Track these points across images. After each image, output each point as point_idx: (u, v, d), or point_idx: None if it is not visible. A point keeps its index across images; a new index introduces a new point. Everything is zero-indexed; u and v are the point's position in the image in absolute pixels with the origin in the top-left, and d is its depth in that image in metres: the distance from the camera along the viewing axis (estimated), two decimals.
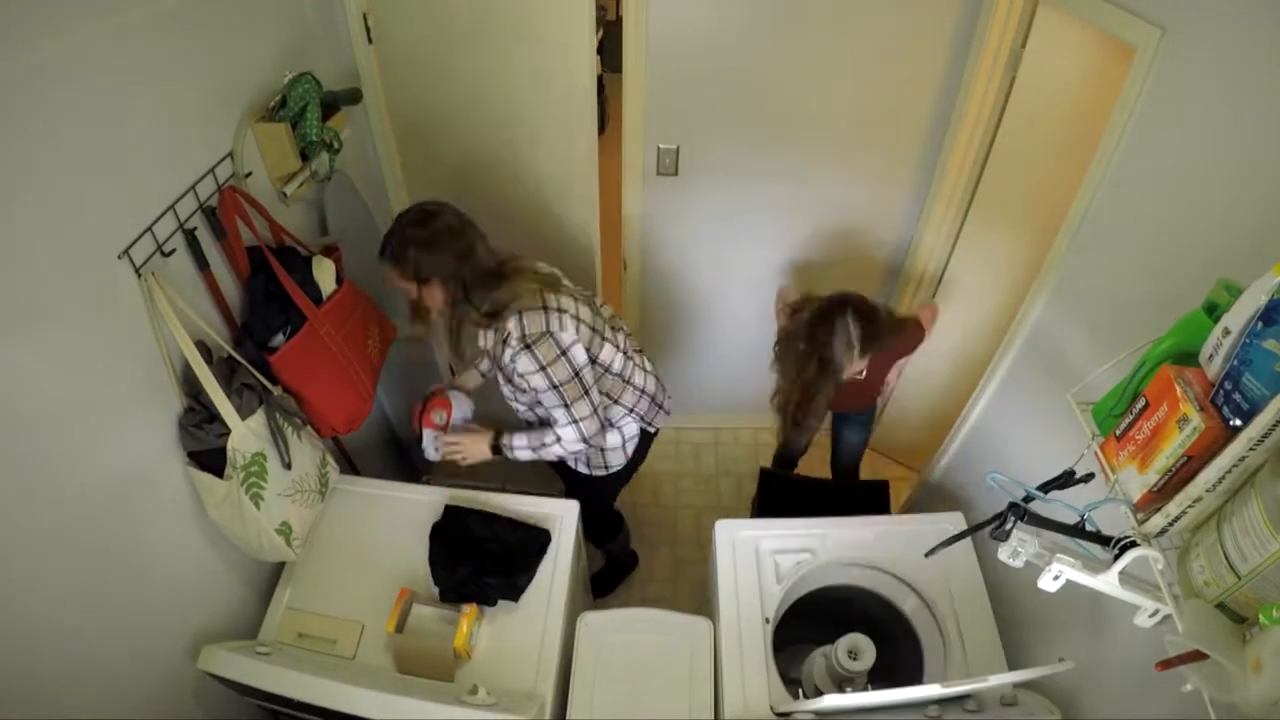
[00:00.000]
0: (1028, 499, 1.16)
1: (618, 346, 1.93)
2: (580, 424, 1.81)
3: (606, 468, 2.10)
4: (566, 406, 1.78)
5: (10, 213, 1.09)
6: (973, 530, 1.29)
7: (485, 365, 2.10)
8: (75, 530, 1.28)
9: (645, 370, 2.06)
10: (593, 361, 1.84)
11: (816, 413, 2.04)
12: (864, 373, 2.05)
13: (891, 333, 2.06)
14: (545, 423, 1.90)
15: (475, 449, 1.94)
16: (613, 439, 2.04)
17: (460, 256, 1.67)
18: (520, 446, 1.90)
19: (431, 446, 2.00)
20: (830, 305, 1.95)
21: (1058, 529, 1.11)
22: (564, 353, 1.74)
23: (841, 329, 1.90)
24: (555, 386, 1.75)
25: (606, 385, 1.93)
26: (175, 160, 1.46)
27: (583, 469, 2.11)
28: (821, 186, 2.47)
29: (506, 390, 1.93)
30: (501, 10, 2.04)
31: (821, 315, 1.94)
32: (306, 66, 1.80)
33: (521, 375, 1.77)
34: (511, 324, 1.71)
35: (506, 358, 1.76)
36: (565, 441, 1.84)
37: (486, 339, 1.81)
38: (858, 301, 1.94)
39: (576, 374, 1.77)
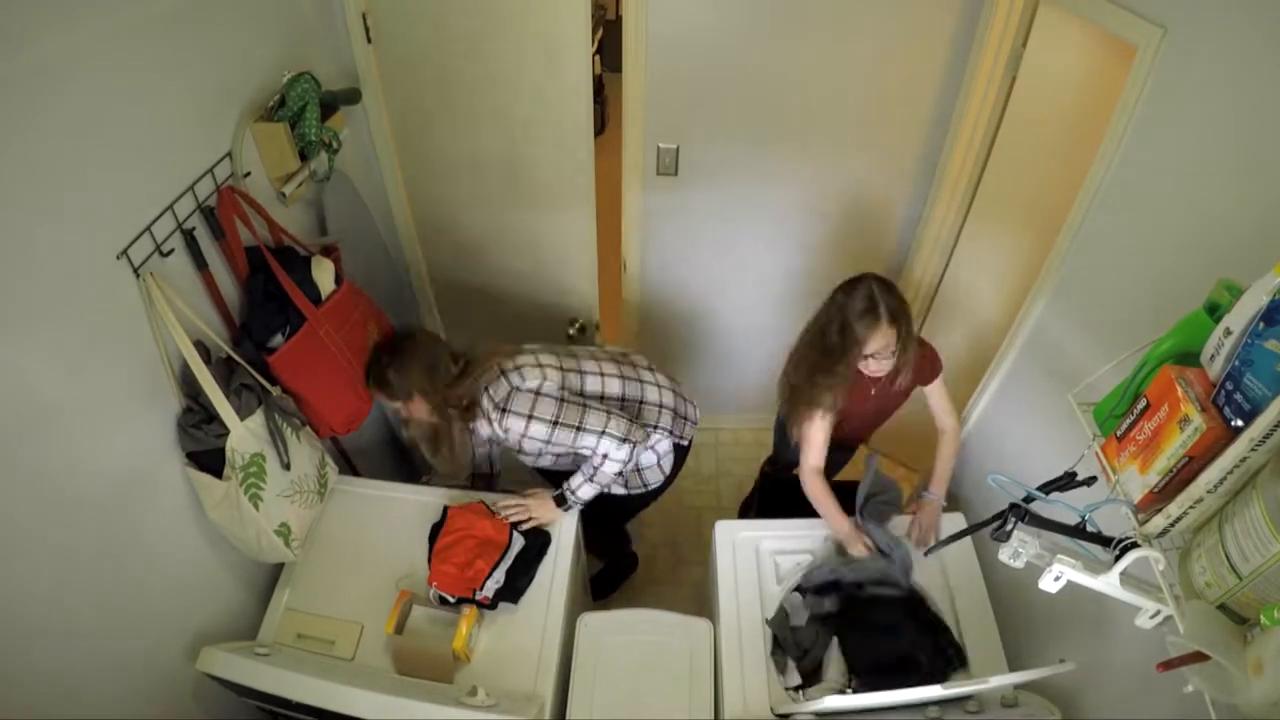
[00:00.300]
0: (1028, 499, 1.16)
1: (603, 374, 1.96)
2: (608, 432, 1.81)
3: (645, 486, 2.12)
4: (579, 429, 1.80)
5: (8, 212, 1.09)
6: (972, 530, 1.29)
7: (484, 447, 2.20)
8: (74, 531, 1.28)
9: (660, 386, 2.06)
10: (579, 394, 1.90)
11: (834, 389, 1.85)
12: (887, 370, 1.83)
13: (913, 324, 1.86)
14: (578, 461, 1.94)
15: (543, 511, 1.92)
16: (647, 458, 2.05)
17: (430, 367, 1.82)
18: (579, 485, 1.90)
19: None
20: (848, 281, 1.82)
21: (1058, 530, 1.11)
22: (537, 392, 1.83)
23: (865, 288, 1.75)
24: (555, 423, 1.80)
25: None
26: (174, 160, 1.46)
27: (620, 490, 2.11)
28: (822, 186, 2.47)
29: (543, 463, 2.00)
30: (500, 10, 2.03)
31: (848, 282, 1.81)
32: (305, 66, 1.80)
33: (523, 437, 1.83)
34: (484, 402, 1.83)
35: (500, 433, 1.85)
36: (611, 454, 1.83)
37: (481, 429, 1.89)
38: (879, 277, 1.80)
39: (562, 401, 1.82)
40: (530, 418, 1.79)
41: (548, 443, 1.83)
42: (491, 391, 1.83)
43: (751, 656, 1.72)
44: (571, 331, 2.63)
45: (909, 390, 1.99)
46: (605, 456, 1.83)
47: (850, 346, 1.75)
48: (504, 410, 1.80)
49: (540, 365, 1.87)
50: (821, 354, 1.82)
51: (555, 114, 2.20)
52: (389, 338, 1.91)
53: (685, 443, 2.11)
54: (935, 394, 2.00)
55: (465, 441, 1.92)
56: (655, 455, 2.05)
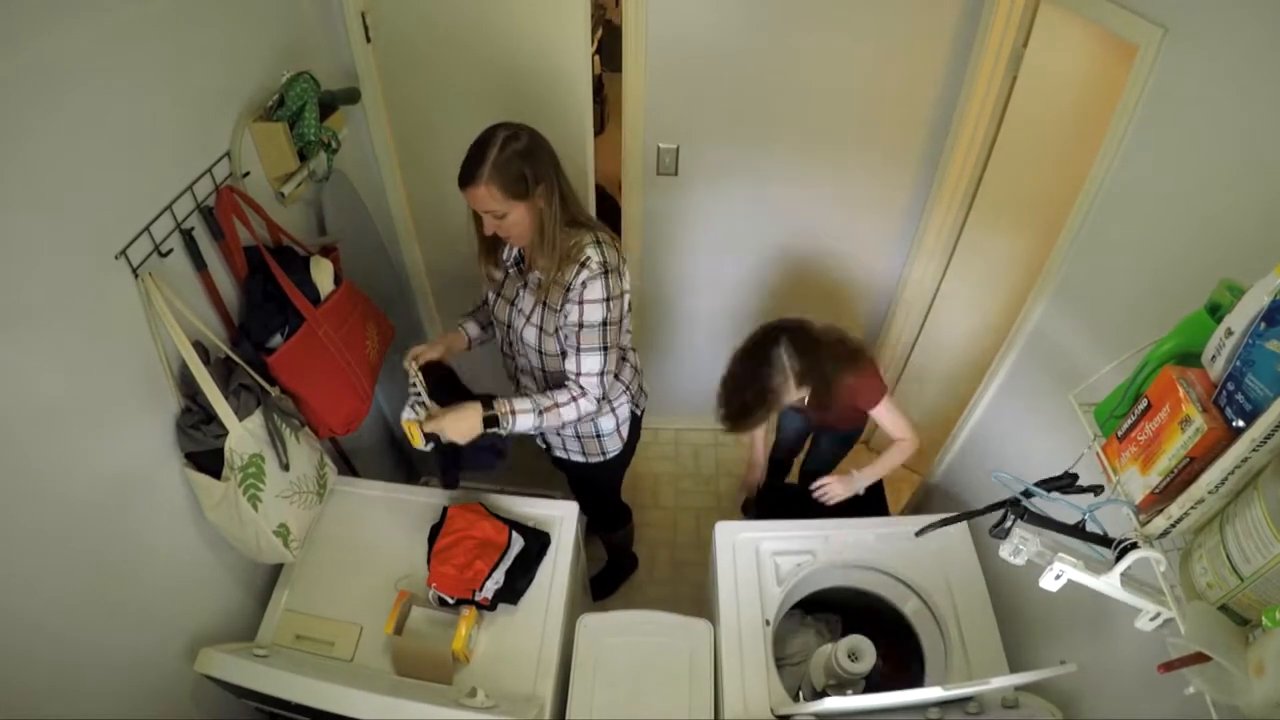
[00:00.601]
0: (1027, 494, 1.16)
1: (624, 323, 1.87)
2: (605, 375, 1.73)
3: (604, 454, 2.07)
4: (605, 350, 1.71)
5: (6, 212, 1.09)
6: (967, 516, 1.29)
7: (474, 330, 2.02)
8: (72, 531, 1.27)
9: (633, 349, 2.06)
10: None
11: (754, 426, 2.05)
12: (806, 400, 1.94)
13: (839, 363, 1.91)
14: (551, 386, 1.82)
15: (461, 425, 1.66)
16: (607, 423, 2.00)
17: (556, 165, 1.63)
18: (522, 410, 1.71)
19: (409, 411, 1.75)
20: (765, 334, 1.90)
21: (1058, 529, 1.11)
22: (623, 293, 1.73)
23: (776, 359, 1.84)
24: (607, 324, 1.69)
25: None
26: (172, 160, 1.46)
27: (578, 458, 2.08)
28: (822, 186, 2.46)
29: (530, 335, 1.80)
30: (499, 9, 2.03)
31: (755, 345, 1.89)
32: (304, 66, 1.80)
33: (582, 303, 1.66)
34: (591, 250, 1.65)
35: (579, 281, 1.65)
36: (581, 400, 1.73)
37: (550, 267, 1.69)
38: (795, 330, 1.88)
39: (621, 320, 1.74)
40: (607, 301, 1.67)
41: (577, 327, 1.69)
42: (606, 252, 1.66)
43: (752, 657, 1.71)
44: None
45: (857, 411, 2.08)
46: (574, 398, 1.73)
47: (768, 404, 1.90)
48: (606, 273, 1.65)
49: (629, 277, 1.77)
50: (740, 408, 1.92)
51: (555, 114, 2.20)
52: (499, 128, 1.60)
53: (639, 411, 2.10)
54: (880, 418, 2.03)
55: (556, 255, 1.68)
56: (615, 420, 2.01)
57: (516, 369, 1.97)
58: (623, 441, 2.07)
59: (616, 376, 1.86)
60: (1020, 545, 1.10)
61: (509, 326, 1.87)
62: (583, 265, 1.65)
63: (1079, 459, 1.19)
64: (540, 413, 1.72)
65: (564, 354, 1.77)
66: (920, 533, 1.50)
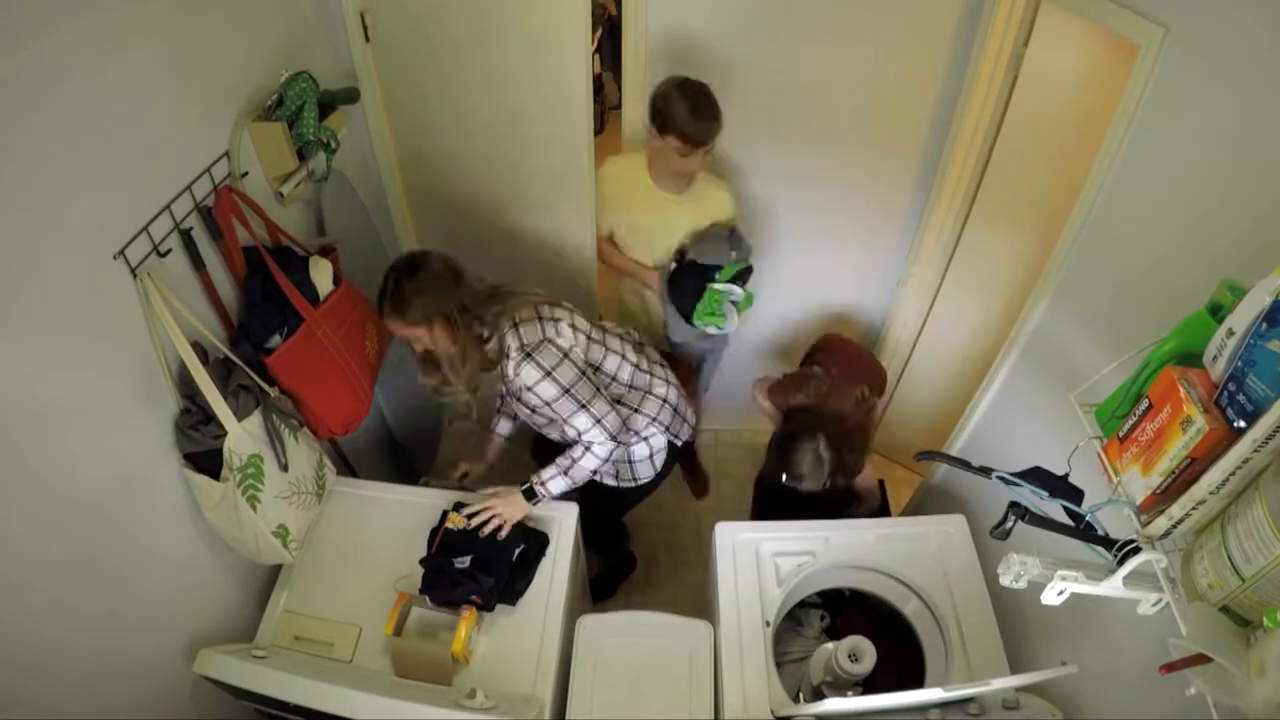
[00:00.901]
0: (1028, 472, 1.16)
1: (624, 357, 1.95)
2: (603, 422, 1.79)
3: (635, 480, 2.11)
4: (584, 407, 1.77)
5: (4, 212, 1.09)
6: (969, 467, 1.28)
7: (505, 428, 2.15)
8: (71, 532, 1.27)
9: (668, 383, 2.07)
10: (595, 369, 1.87)
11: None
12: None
13: (861, 453, 2.11)
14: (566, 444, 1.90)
15: (511, 509, 1.84)
16: (640, 451, 2.04)
17: (455, 290, 1.70)
18: (551, 477, 1.85)
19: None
20: (799, 429, 2.01)
21: (1059, 529, 1.11)
22: (566, 355, 1.76)
23: (813, 454, 1.96)
24: (566, 391, 1.75)
25: (626, 397, 1.96)
26: (171, 159, 1.46)
27: (610, 482, 2.11)
28: (822, 186, 2.46)
29: (523, 412, 1.95)
30: (499, 9, 2.03)
31: (790, 438, 2.01)
32: (303, 65, 1.79)
33: (529, 389, 1.75)
34: (510, 338, 1.74)
35: (510, 373, 1.76)
36: (595, 448, 1.82)
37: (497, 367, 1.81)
38: (831, 426, 1.99)
39: (583, 374, 1.78)
40: (548, 375, 1.73)
41: (546, 404, 1.77)
42: (523, 332, 1.74)
43: (752, 658, 1.71)
44: None
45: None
46: (588, 449, 1.82)
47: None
48: (528, 356, 1.72)
49: (575, 328, 1.83)
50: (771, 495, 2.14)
51: (555, 113, 2.20)
52: (405, 259, 1.73)
53: (679, 442, 2.12)
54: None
55: (479, 374, 1.80)
56: (649, 449, 2.05)
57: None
58: (654, 471, 2.12)
59: (637, 410, 1.97)
60: (1021, 570, 1.09)
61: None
62: (506, 355, 1.76)
63: (1074, 450, 1.19)
64: (566, 473, 1.85)
65: (552, 420, 1.86)
66: (920, 456, 1.50)
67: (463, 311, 1.70)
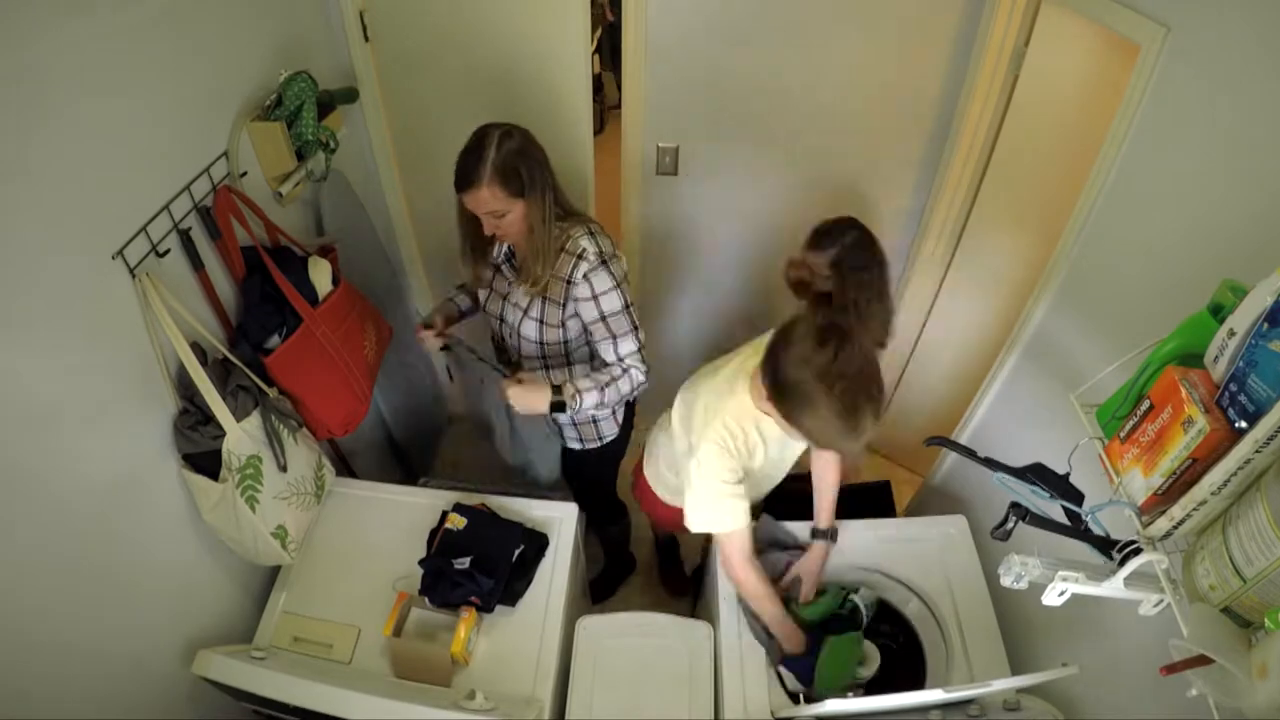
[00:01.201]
0: (1030, 468, 1.16)
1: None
2: (642, 351, 1.76)
3: (600, 439, 2.07)
4: (635, 330, 1.74)
5: (2, 212, 1.08)
6: (975, 457, 1.28)
7: (466, 304, 2.04)
8: (69, 533, 1.27)
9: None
10: None
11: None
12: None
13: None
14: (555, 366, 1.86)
15: (529, 398, 1.72)
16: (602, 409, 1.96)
17: (546, 162, 1.65)
18: (587, 389, 1.73)
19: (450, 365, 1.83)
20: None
21: (1060, 530, 1.10)
22: (625, 276, 1.74)
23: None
24: (628, 306, 1.72)
25: None
26: (169, 159, 1.45)
27: (575, 445, 2.08)
28: (823, 186, 2.46)
29: (530, 329, 1.80)
30: (498, 9, 2.03)
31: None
32: (302, 65, 1.79)
33: (592, 297, 1.68)
34: (585, 242, 1.68)
35: (579, 275, 1.67)
36: (633, 372, 1.76)
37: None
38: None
39: (630, 303, 1.75)
40: (618, 286, 1.70)
41: (601, 320, 1.71)
42: (600, 241, 1.70)
43: (752, 660, 1.70)
44: None
45: None
46: (627, 370, 1.77)
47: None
48: (604, 263, 1.67)
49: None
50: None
51: (554, 113, 2.20)
52: (501, 127, 1.61)
53: (632, 398, 2.02)
54: None
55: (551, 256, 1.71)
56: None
57: (515, 359, 1.96)
58: (618, 426, 2.08)
59: None
60: (1022, 572, 1.09)
61: (502, 321, 1.88)
62: (579, 257, 1.68)
63: (1074, 449, 1.19)
64: (602, 389, 1.74)
65: (567, 344, 1.80)
66: (930, 441, 1.47)
67: (557, 195, 1.66)
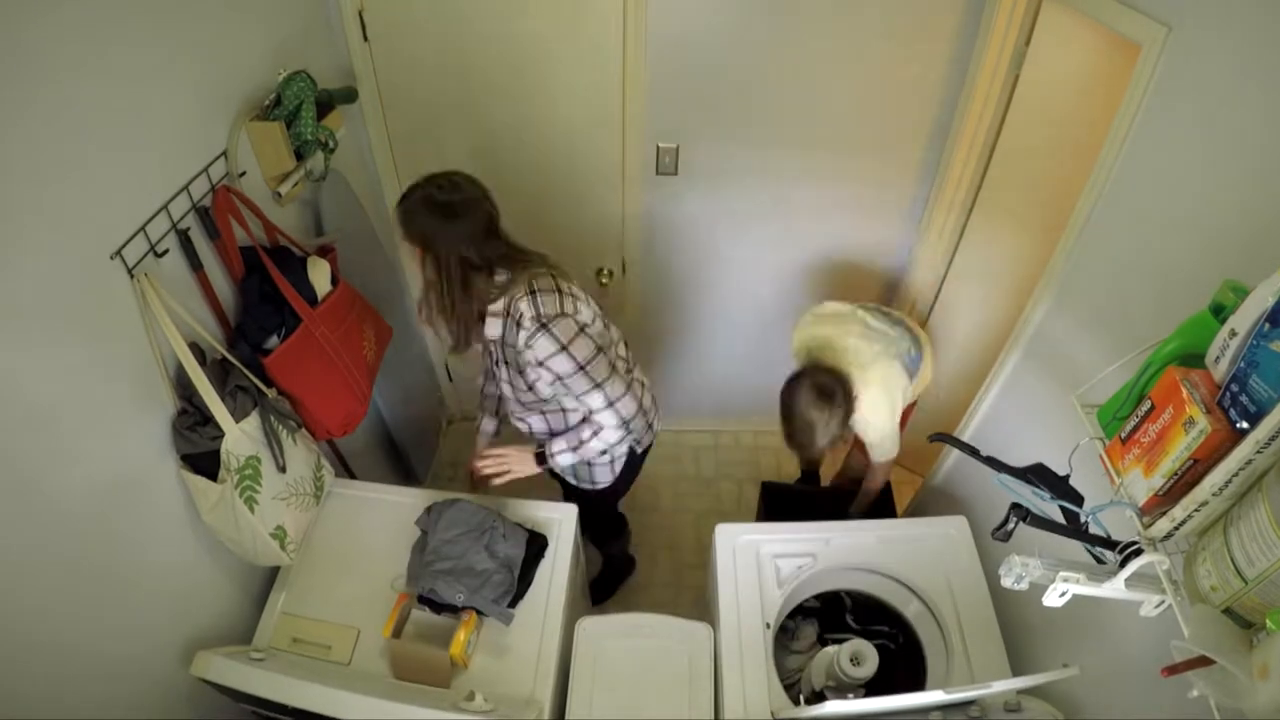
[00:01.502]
0: (1030, 469, 1.16)
1: (617, 349, 1.88)
2: (617, 405, 1.70)
3: (593, 482, 2.04)
4: (599, 386, 1.66)
5: (0, 212, 1.08)
6: (977, 455, 1.28)
7: (490, 426, 2.11)
8: (67, 535, 1.26)
9: (644, 386, 1.97)
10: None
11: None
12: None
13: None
14: (556, 430, 1.86)
15: (522, 463, 1.87)
16: (600, 455, 1.92)
17: (468, 231, 1.57)
18: (560, 450, 1.81)
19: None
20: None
21: (1060, 531, 1.10)
22: (582, 330, 1.65)
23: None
24: (582, 367, 1.63)
25: None
26: (168, 159, 1.45)
27: (570, 479, 2.06)
28: (824, 186, 2.46)
29: (509, 391, 1.82)
30: (497, 8, 2.02)
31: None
32: (301, 64, 1.79)
33: (540, 363, 1.64)
34: (524, 305, 1.61)
35: (521, 342, 1.63)
36: (605, 430, 1.74)
37: (493, 329, 1.70)
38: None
39: (600, 350, 1.67)
40: (564, 349, 1.61)
41: (557, 381, 1.67)
42: (541, 302, 1.61)
43: (752, 661, 1.70)
44: None
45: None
46: (597, 432, 1.75)
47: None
48: (544, 327, 1.60)
49: (590, 306, 1.74)
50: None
51: (553, 113, 2.20)
52: (448, 177, 1.58)
53: (640, 449, 2.04)
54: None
55: (470, 328, 1.69)
56: (609, 455, 1.94)
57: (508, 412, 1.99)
58: (613, 476, 2.03)
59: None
60: (1022, 572, 1.09)
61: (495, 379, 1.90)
62: (519, 324, 1.63)
63: (1074, 449, 1.19)
64: (575, 450, 1.81)
65: (543, 399, 1.79)
66: (933, 438, 1.50)
67: (465, 260, 1.58)
